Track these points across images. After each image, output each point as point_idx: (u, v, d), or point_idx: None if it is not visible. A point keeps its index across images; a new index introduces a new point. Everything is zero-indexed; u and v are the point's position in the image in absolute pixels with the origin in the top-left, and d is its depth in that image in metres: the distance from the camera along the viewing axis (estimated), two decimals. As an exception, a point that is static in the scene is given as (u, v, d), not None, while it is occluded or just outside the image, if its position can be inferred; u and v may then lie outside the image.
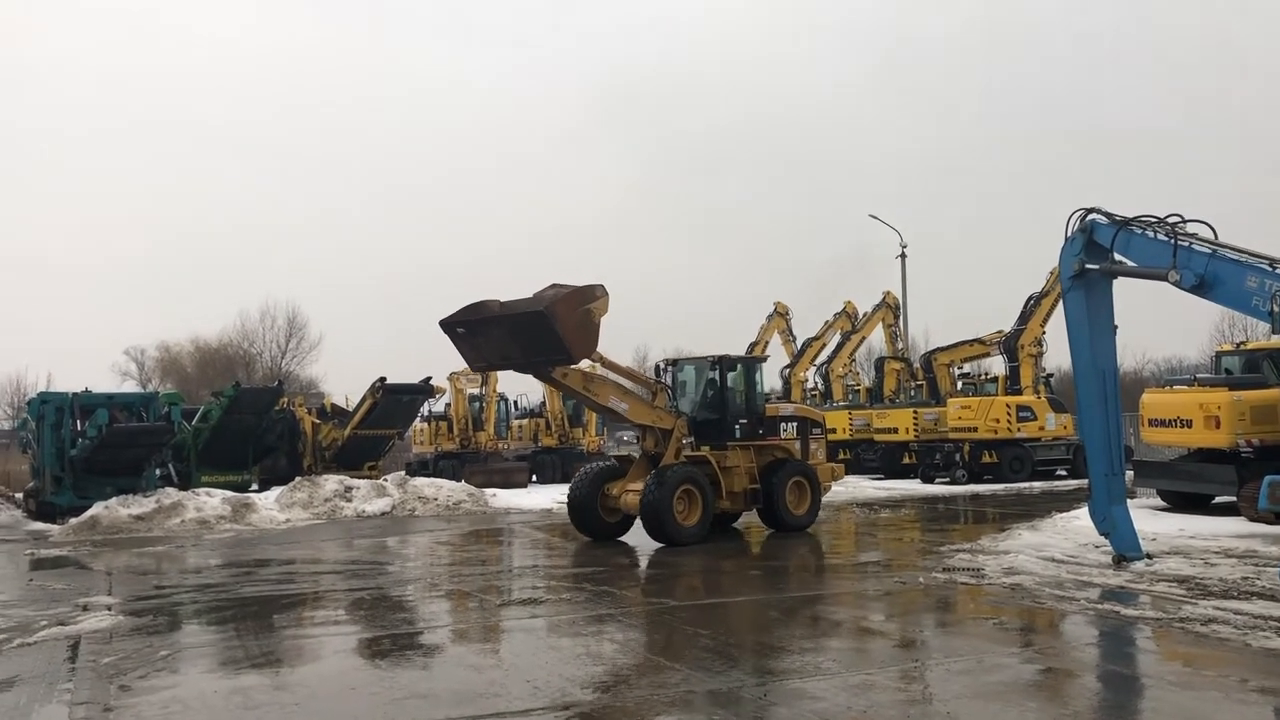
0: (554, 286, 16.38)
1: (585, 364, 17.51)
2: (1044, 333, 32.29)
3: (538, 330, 15.65)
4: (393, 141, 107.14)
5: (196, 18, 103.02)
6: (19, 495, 28.13)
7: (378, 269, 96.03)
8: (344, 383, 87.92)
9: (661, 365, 19.66)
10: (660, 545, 17.13)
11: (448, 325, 16.65)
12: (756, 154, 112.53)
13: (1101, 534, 13.68)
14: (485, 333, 16.51)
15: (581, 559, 16.24)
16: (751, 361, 19.92)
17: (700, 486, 17.39)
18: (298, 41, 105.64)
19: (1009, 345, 32.59)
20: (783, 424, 19.74)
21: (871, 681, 7.96)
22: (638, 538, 17.97)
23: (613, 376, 18.24)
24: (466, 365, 19.02)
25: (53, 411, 25.96)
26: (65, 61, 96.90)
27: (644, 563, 15.82)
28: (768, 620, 11.23)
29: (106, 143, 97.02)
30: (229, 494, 25.15)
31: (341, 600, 12.99)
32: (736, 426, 18.87)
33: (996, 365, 35.54)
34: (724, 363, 19.18)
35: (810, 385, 42.20)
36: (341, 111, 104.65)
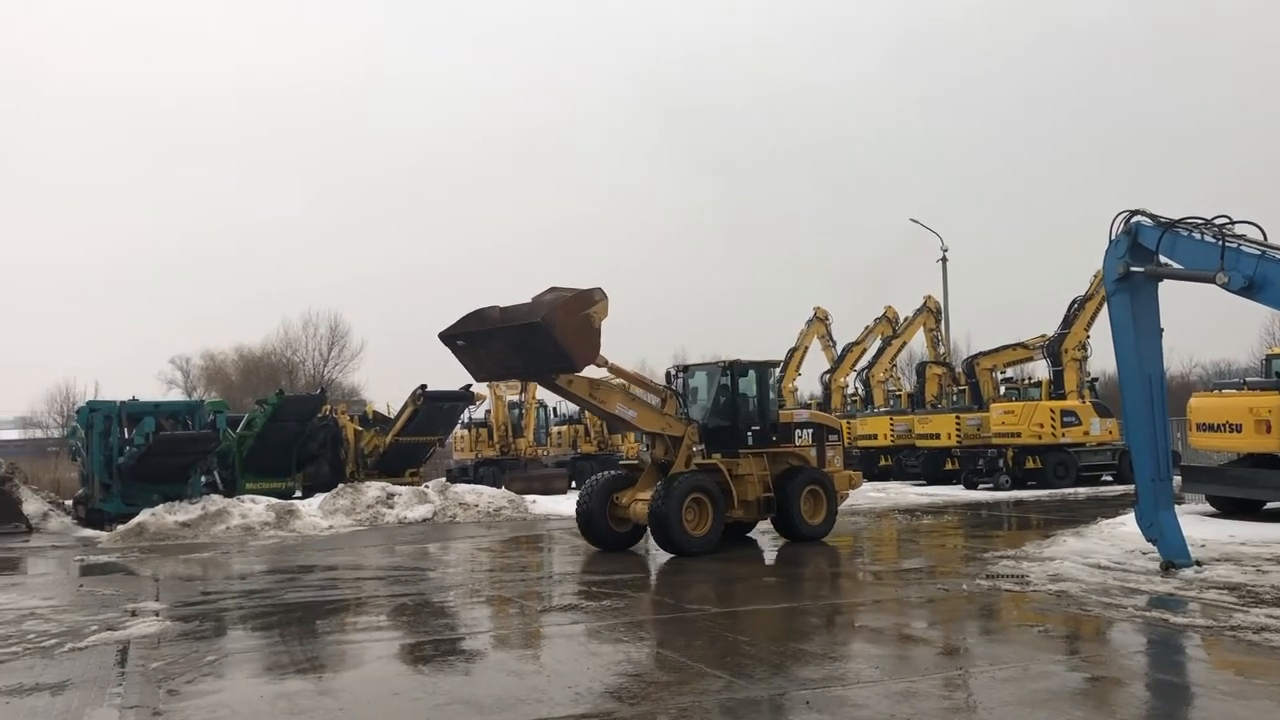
0: (552, 290, 16.09)
1: (593, 370, 17.12)
2: (1088, 336, 31.90)
3: (537, 340, 15.33)
4: (437, 149, 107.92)
5: (229, 27, 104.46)
6: (69, 502, 28.58)
7: (420, 276, 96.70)
8: (385, 390, 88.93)
9: (672, 371, 19.21)
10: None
11: (447, 338, 16.45)
12: (793, 155, 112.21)
13: (1149, 540, 13.49)
14: (486, 344, 16.33)
15: (621, 565, 16.24)
16: (764, 367, 19.23)
17: (710, 495, 16.97)
18: (334, 51, 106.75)
19: (1053, 349, 32.23)
20: (797, 431, 19.37)
21: (915, 689, 7.89)
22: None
23: (620, 383, 17.89)
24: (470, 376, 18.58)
25: (101, 420, 26.40)
26: (105, 75, 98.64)
27: (684, 570, 15.79)
28: (809, 627, 11.17)
29: (152, 156, 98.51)
30: (273, 501, 25.41)
31: (384, 606, 13.09)
32: (749, 433, 18.40)
33: (1040, 370, 35.14)
34: (735, 368, 18.64)
35: (851, 391, 42.00)
36: (380, 119, 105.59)
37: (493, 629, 11.69)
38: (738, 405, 18.46)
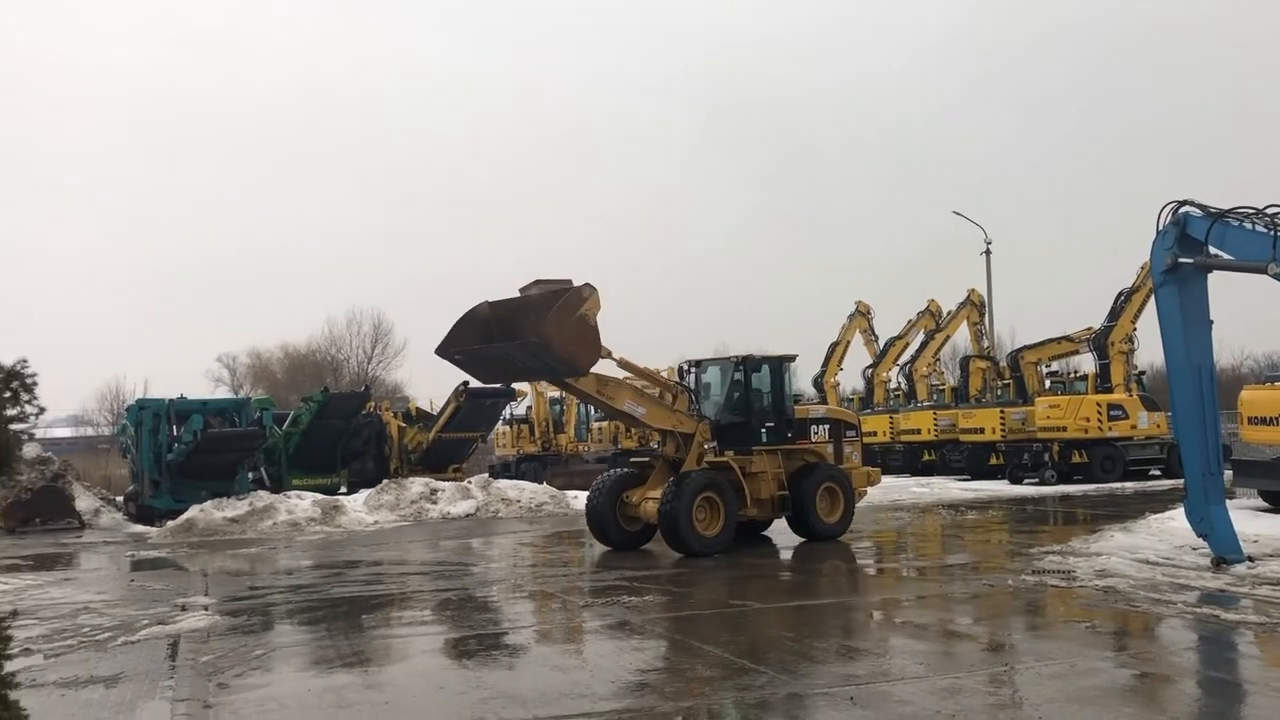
0: (537, 283, 15.78)
1: (603, 365, 16.54)
2: (1135, 329, 31.50)
3: (537, 353, 15.15)
4: (474, 144, 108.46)
5: (275, 28, 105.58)
6: (120, 499, 29.10)
7: (463, 275, 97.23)
8: (428, 387, 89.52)
9: (684, 367, 18.60)
10: (760, 545, 17.25)
11: (444, 354, 16.27)
12: (841, 144, 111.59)
13: (1199, 535, 13.29)
14: (485, 360, 16.32)
15: (664, 561, 16.25)
16: (779, 361, 18.51)
17: (722, 493, 16.56)
18: (379, 53, 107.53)
19: (1099, 342, 31.84)
20: (813, 426, 18.76)
21: (960, 685, 7.83)
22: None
23: (629, 378, 17.37)
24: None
25: (150, 418, 26.83)
26: (151, 74, 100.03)
27: (725, 566, 15.78)
28: (853, 623, 11.13)
29: (200, 159, 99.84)
30: (319, 496, 25.72)
31: (428, 601, 13.20)
32: (763, 430, 17.82)
33: (1086, 363, 34.74)
34: (748, 363, 18.04)
35: (893, 385, 41.74)
36: (423, 117, 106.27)
37: (535, 624, 11.75)
38: (751, 401, 17.94)
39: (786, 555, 16.92)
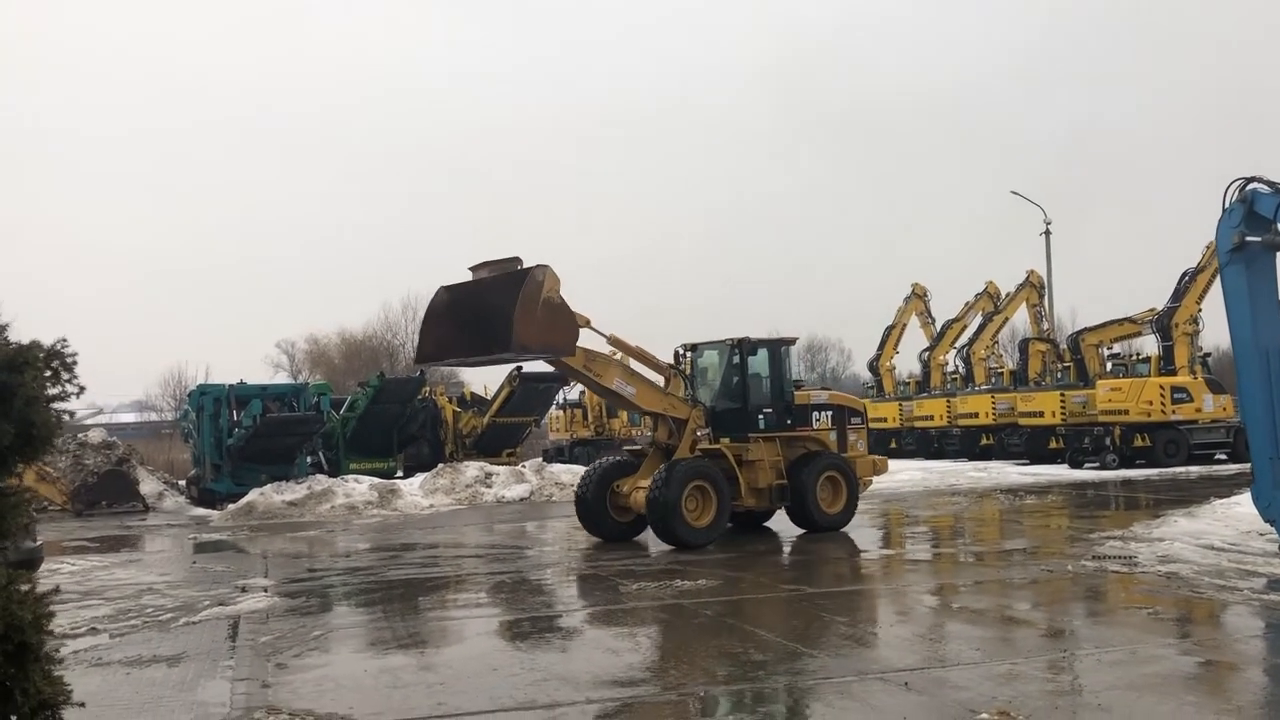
0: (485, 265, 15.33)
1: (596, 341, 15.99)
2: (1200, 310, 30.81)
3: (521, 355, 14.92)
4: (520, 131, 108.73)
5: (342, 19, 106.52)
6: (182, 482, 29.68)
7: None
8: (482, 372, 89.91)
9: (680, 350, 17.70)
10: (801, 532, 16.91)
11: (426, 362, 16.26)
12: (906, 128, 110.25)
13: (1266, 520, 12.95)
14: (475, 363, 16.19)
15: (718, 545, 16.21)
16: (777, 344, 17.69)
17: (714, 482, 15.87)
18: (439, 45, 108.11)
19: (1162, 324, 31.21)
20: (815, 413, 17.89)
21: (1017, 671, 7.71)
22: (777, 523, 17.85)
23: (619, 356, 16.60)
24: None
25: (211, 403, 27.33)
26: (213, 62, 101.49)
27: (780, 550, 15.72)
28: (907, 607, 11.01)
29: (257, 145, 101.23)
30: (376, 480, 26.04)
31: (483, 583, 13.30)
32: (760, 416, 17.06)
33: (1149, 345, 34.08)
34: (744, 346, 17.20)
35: (951, 368, 41.27)
36: (466, 108, 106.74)
37: (588, 606, 11.77)
38: (748, 386, 17.20)
39: (835, 541, 16.78)
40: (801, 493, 16.80)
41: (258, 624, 10.66)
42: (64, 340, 4.03)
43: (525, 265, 14.98)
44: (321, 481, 25.54)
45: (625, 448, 18.94)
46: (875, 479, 19.38)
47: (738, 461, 16.54)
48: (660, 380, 16.93)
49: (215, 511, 25.29)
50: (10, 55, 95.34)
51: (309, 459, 28.42)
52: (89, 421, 55.01)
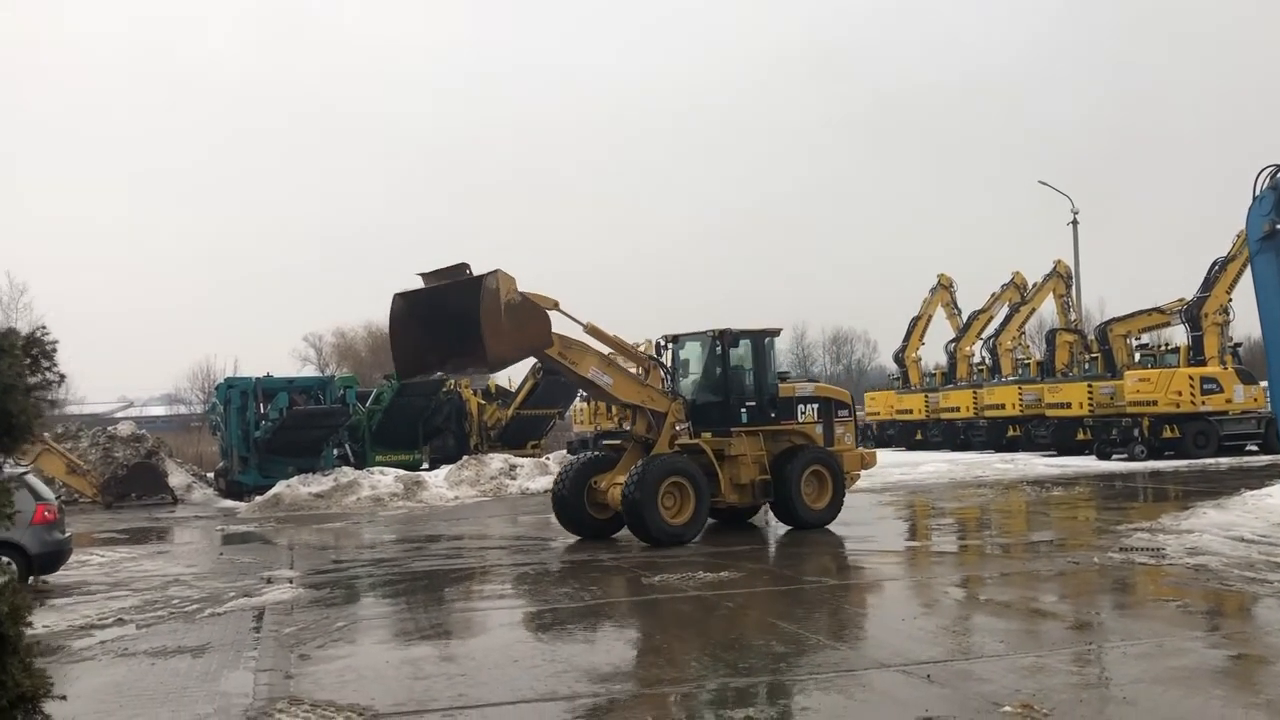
0: (434, 274, 14.88)
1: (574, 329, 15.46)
2: (1230, 299, 30.40)
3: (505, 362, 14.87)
4: (547, 131, 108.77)
5: (362, 14, 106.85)
6: (210, 475, 29.94)
7: (541, 252, 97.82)
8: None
9: (661, 342, 17.22)
10: (826, 524, 16.71)
11: (412, 376, 16.25)
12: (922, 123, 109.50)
13: (1297, 512, 12.80)
14: (460, 374, 16.19)
15: (739, 537, 16.19)
16: (760, 335, 17.03)
17: (692, 479, 15.37)
18: (463, 38, 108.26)
19: (1191, 313, 30.82)
20: (800, 405, 17.30)
21: (1042, 664, 7.64)
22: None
23: (596, 345, 15.85)
24: None
25: (238, 396, 27.54)
26: (245, 61, 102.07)
27: (804, 541, 15.64)
28: (932, 599, 10.94)
29: (290, 146, 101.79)
30: (401, 472, 26.16)
31: (507, 575, 13.33)
32: (743, 410, 16.53)
33: (1178, 335, 33.68)
34: (725, 337, 16.58)
35: (977, 360, 40.98)
36: (491, 103, 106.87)
37: (610, 598, 11.76)
38: (730, 379, 16.67)
39: (879, 532, 16.69)
40: (786, 488, 16.26)
41: (282, 615, 10.72)
42: (43, 328, 4.00)
43: (475, 272, 14.41)
44: (347, 473, 25.68)
45: (604, 442, 18.33)
46: (898, 472, 19.20)
47: (719, 456, 16.08)
48: (640, 370, 16.43)
49: (243, 503, 25.48)
50: (41, 56, 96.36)
51: (335, 451, 28.60)
52: (119, 415, 55.63)
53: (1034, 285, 39.69)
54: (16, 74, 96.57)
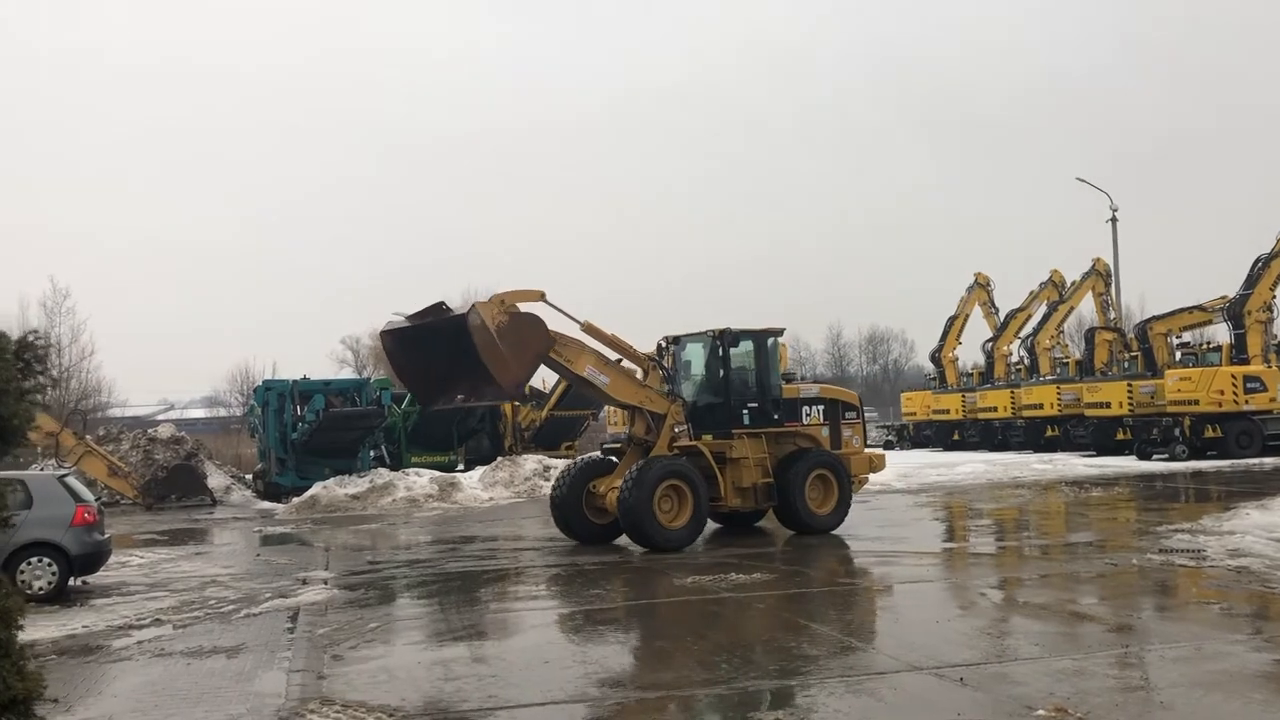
0: (415, 317, 14.79)
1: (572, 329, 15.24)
2: (1274, 297, 29.94)
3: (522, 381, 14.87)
4: (580, 129, 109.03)
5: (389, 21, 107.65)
6: (249, 476, 30.22)
7: (572, 250, 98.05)
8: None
9: (662, 343, 16.76)
10: (850, 526, 16.51)
11: (435, 406, 16.47)
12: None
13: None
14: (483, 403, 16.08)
15: (769, 538, 16.10)
16: (762, 335, 16.59)
17: (690, 482, 15.03)
18: (484, 45, 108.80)
19: (1234, 311, 30.36)
20: (805, 407, 16.86)
21: (1078, 667, 7.54)
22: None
23: (592, 343, 15.40)
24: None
25: (275, 398, 27.77)
26: (283, 80, 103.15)
27: (835, 543, 15.54)
28: (968, 601, 10.83)
29: (324, 148, 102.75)
30: (436, 474, 26.29)
31: (540, 576, 13.35)
32: (745, 411, 16.13)
33: (1220, 333, 33.20)
34: (725, 337, 16.19)
35: (1015, 359, 40.62)
36: (524, 111, 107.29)
37: (642, 599, 11.75)
38: (731, 380, 16.26)
39: (901, 535, 16.57)
40: (789, 492, 15.86)
41: (316, 616, 10.79)
42: (35, 332, 4.04)
43: (453, 309, 14.35)
44: (383, 475, 25.83)
45: (604, 445, 18.01)
46: (935, 473, 18.96)
47: (721, 459, 15.76)
48: (639, 371, 16.01)
49: (280, 505, 25.70)
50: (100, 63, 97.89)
51: (371, 453, 28.76)
52: (159, 417, 56.35)
53: (1072, 283, 39.30)
54: (76, 80, 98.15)
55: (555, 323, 14.76)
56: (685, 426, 15.87)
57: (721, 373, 16.35)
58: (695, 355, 17.03)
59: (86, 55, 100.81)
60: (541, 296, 14.64)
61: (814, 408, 17.04)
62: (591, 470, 16.24)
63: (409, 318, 14.91)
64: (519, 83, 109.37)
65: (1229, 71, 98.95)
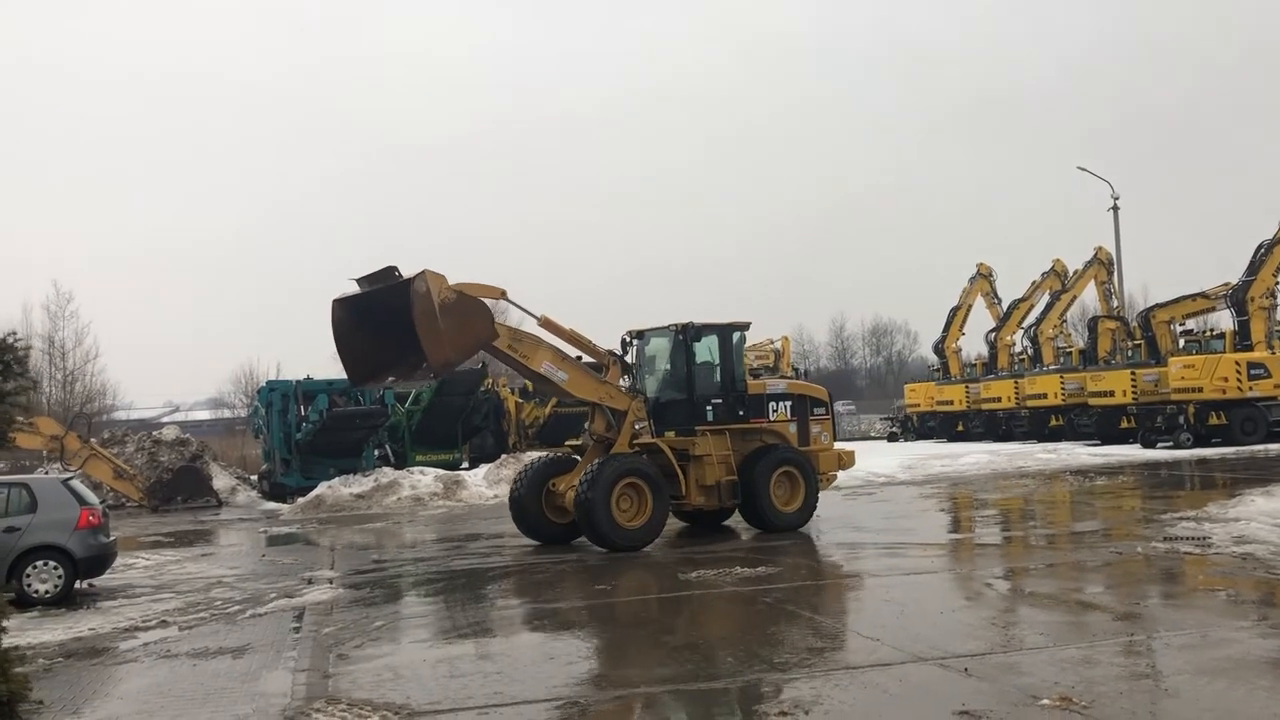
0: (365, 279, 14.32)
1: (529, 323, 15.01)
2: (1277, 283, 29.87)
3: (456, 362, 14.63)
4: (597, 124, 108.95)
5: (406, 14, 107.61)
6: (254, 477, 30.27)
7: (577, 251, 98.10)
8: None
9: (626, 338, 16.29)
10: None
11: (365, 383, 16.23)
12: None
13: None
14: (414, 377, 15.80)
15: (770, 536, 16.06)
16: (727, 330, 16.24)
17: (650, 480, 14.71)
18: (496, 47, 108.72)
19: (1237, 298, 30.30)
20: (771, 403, 16.40)
21: (1084, 656, 7.53)
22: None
23: (550, 338, 15.09)
24: None
25: (279, 399, 27.82)
26: (284, 81, 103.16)
27: (843, 536, 15.54)
28: (972, 592, 10.84)
29: (333, 155, 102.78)
30: (441, 472, 26.30)
31: (545, 573, 13.35)
32: (709, 408, 15.76)
33: (1223, 320, 33.14)
34: (688, 332, 15.79)
35: (1018, 349, 40.57)
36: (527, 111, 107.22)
37: (649, 594, 11.76)
38: (695, 375, 15.88)
39: (906, 526, 16.57)
40: (754, 490, 15.54)
41: (322, 615, 10.81)
42: (14, 334, 4.01)
43: (404, 275, 13.90)
44: (388, 474, 25.87)
45: (567, 443, 17.72)
46: (940, 463, 18.93)
47: (684, 456, 15.42)
48: (599, 367, 15.67)
49: (285, 505, 25.74)
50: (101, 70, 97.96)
51: (375, 452, 28.81)
52: (164, 419, 56.41)
53: (1075, 273, 39.24)
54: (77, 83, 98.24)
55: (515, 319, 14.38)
56: (647, 423, 15.62)
57: (685, 368, 16.01)
58: (659, 350, 16.68)
59: (87, 61, 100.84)
60: (503, 295, 14.40)
61: (781, 403, 16.60)
62: (551, 468, 15.96)
63: (359, 280, 14.49)
64: (519, 83, 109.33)
65: (1234, 60, 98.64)
